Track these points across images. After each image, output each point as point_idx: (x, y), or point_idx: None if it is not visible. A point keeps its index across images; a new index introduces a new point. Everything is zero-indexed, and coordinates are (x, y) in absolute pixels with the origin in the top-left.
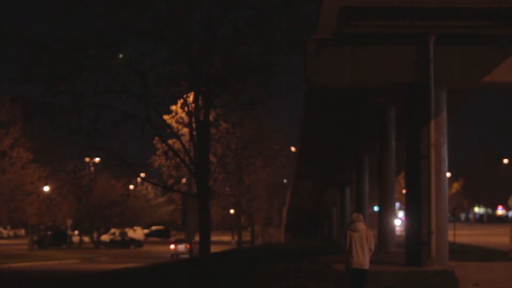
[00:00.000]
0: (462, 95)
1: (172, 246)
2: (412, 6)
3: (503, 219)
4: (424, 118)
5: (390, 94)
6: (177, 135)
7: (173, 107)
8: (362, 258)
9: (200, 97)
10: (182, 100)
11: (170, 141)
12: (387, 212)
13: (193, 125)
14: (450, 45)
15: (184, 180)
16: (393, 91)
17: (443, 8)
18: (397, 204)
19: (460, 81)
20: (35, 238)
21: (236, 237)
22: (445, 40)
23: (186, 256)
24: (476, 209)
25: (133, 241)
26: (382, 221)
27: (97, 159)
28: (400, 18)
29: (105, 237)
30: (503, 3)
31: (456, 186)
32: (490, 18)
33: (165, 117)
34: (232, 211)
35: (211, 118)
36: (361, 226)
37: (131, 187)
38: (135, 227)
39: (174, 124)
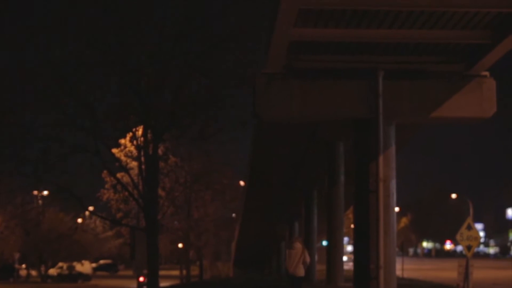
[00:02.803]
0: (411, 130)
1: (141, 279)
2: (361, 42)
3: (451, 254)
4: (372, 153)
5: (339, 129)
6: (125, 169)
7: (122, 141)
8: (297, 268)
9: (149, 131)
10: (131, 134)
11: (118, 175)
12: (335, 247)
13: (142, 158)
14: (399, 80)
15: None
16: (342, 125)
17: (392, 44)
18: (346, 239)
19: (409, 116)
20: None
21: (184, 272)
22: (394, 75)
23: None
24: (425, 244)
25: (80, 275)
26: (331, 256)
27: (45, 192)
28: (350, 53)
29: (52, 271)
30: (452, 39)
31: (404, 220)
32: (439, 54)
33: (114, 150)
34: (180, 245)
35: (160, 151)
36: (298, 245)
37: (79, 220)
38: (83, 261)
39: (123, 158)
